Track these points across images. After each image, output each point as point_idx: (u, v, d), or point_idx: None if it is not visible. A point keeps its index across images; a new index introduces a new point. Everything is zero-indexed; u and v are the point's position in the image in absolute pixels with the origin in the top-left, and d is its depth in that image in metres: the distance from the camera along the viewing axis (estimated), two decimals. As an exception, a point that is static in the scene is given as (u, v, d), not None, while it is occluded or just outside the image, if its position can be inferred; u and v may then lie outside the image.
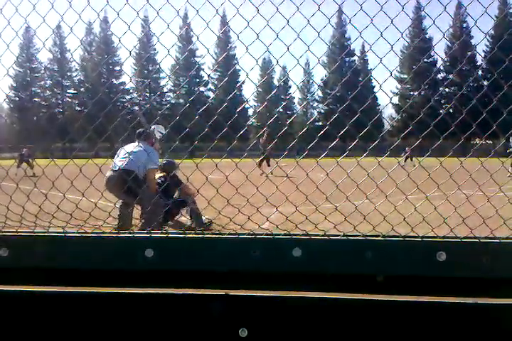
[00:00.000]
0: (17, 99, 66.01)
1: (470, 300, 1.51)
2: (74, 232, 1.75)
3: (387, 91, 2.06)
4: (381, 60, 1.83)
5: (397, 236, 1.66)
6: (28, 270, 1.70)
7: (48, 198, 1.84)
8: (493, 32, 50.35)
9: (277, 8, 1.77)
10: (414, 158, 23.36)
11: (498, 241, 1.65)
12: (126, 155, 6.28)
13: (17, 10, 1.87)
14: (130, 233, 1.75)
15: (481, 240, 1.64)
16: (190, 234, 1.70)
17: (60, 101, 68.99)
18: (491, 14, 1.95)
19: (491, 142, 41.29)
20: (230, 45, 54.56)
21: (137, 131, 6.94)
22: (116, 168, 6.06)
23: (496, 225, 1.84)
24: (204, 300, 1.59)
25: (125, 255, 1.70)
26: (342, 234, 1.68)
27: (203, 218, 6.87)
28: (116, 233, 1.73)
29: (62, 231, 1.75)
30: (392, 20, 1.80)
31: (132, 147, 6.33)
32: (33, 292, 1.66)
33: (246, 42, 1.86)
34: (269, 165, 18.31)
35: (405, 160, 24.73)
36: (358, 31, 1.84)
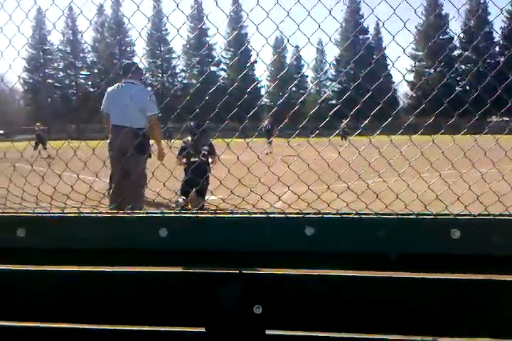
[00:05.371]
0: (31, 80, 66.30)
1: (484, 277, 1.51)
2: (89, 212, 1.78)
3: (402, 69, 2.02)
4: (394, 37, 1.80)
5: (410, 214, 1.65)
6: (45, 250, 1.73)
7: (63, 179, 1.87)
8: (510, 7, 48.90)
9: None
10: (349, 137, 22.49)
11: None
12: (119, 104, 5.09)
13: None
14: (144, 213, 1.76)
15: (496, 217, 1.63)
16: (203, 213, 1.72)
17: (74, 83, 69.19)
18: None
19: (508, 119, 40.58)
20: (240, 24, 53.81)
21: (123, 65, 5.66)
22: (117, 124, 5.02)
23: (510, 202, 1.82)
24: (218, 278, 1.61)
25: (139, 234, 1.72)
26: (354, 212, 1.68)
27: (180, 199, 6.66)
28: (129, 213, 1.75)
29: (77, 211, 1.78)
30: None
31: (124, 90, 5.20)
32: (49, 271, 1.70)
33: (257, 21, 1.83)
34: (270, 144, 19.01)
35: (342, 139, 24.98)
36: (370, 8, 1.81)
